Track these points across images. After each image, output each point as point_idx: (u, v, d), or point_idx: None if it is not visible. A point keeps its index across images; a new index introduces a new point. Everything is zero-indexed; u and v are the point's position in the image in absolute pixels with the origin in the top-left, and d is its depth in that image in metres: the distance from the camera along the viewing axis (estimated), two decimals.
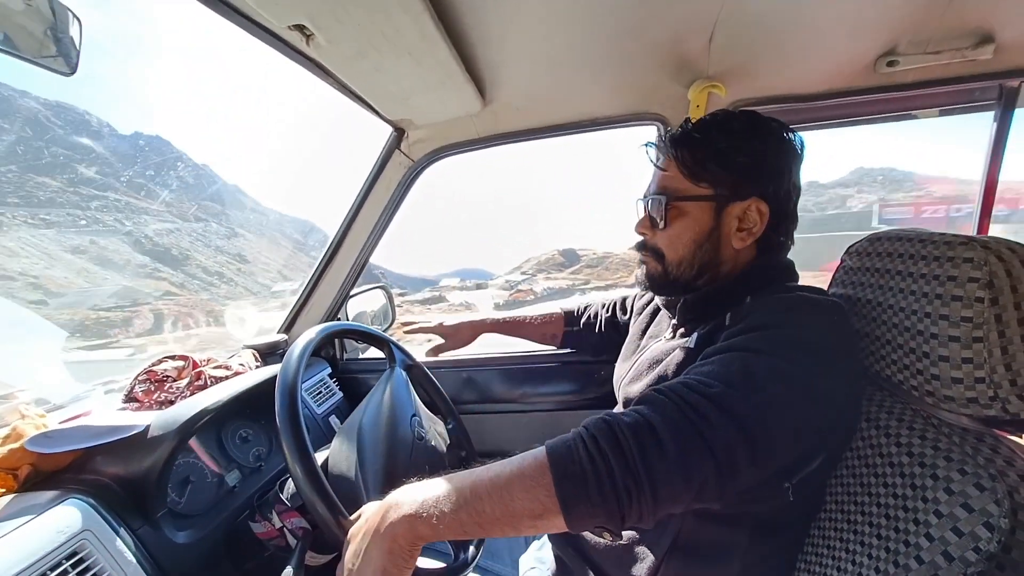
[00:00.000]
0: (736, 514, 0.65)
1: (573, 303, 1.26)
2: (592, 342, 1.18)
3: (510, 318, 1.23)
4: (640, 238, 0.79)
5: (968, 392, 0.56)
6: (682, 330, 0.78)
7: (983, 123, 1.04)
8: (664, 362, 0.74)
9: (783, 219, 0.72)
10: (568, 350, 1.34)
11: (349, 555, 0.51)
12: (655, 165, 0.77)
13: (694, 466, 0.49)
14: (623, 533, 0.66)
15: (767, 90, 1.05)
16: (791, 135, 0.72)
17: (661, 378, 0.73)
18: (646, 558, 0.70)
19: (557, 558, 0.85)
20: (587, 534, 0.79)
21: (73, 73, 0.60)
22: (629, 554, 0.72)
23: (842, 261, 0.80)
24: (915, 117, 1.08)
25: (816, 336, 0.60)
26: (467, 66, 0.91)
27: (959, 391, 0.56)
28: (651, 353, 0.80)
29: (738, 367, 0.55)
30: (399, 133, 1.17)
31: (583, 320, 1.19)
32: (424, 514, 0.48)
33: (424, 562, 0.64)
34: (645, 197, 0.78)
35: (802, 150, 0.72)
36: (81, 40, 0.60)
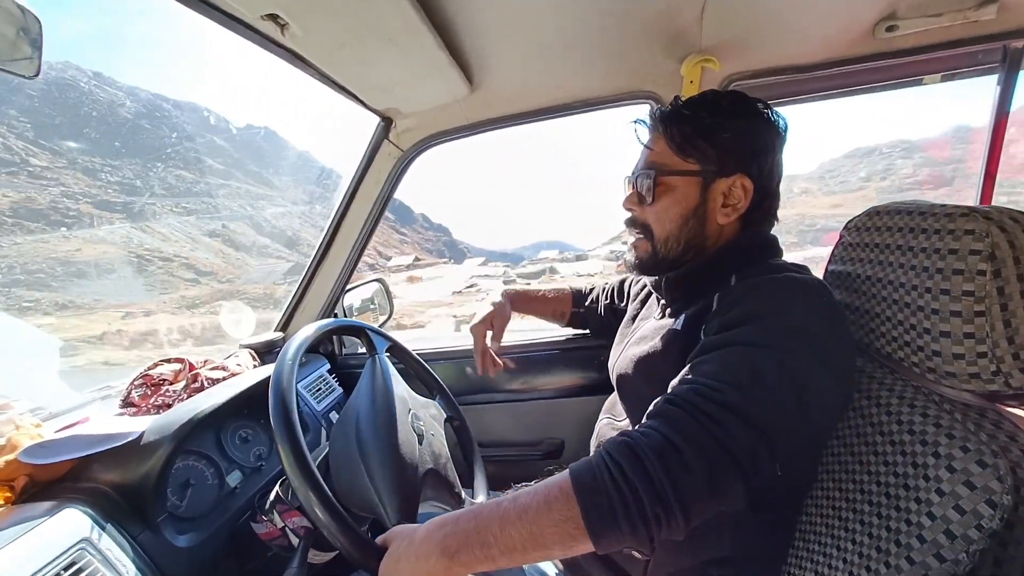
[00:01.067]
0: None
1: (582, 283, 1.26)
2: (594, 324, 1.19)
3: (525, 292, 1.21)
4: (628, 215, 0.80)
5: (970, 367, 0.55)
6: (670, 310, 0.79)
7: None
8: (652, 341, 0.75)
9: (766, 196, 0.73)
10: (566, 336, 1.33)
11: None
12: (643, 144, 0.77)
13: (722, 480, 0.50)
14: None
15: (763, 62, 1.02)
16: (776, 115, 0.73)
17: (649, 355, 0.74)
18: None
19: None
20: None
21: (37, 75, 0.58)
22: None
23: (841, 237, 0.78)
24: (918, 83, 1.05)
25: (812, 322, 0.60)
26: (452, 51, 0.88)
27: (961, 367, 0.55)
28: (640, 332, 0.82)
29: (745, 366, 0.55)
30: (387, 123, 1.14)
31: (587, 302, 1.20)
32: (458, 554, 0.50)
33: None
34: (634, 174, 0.78)
35: (786, 131, 0.74)
36: (43, 42, 0.58)
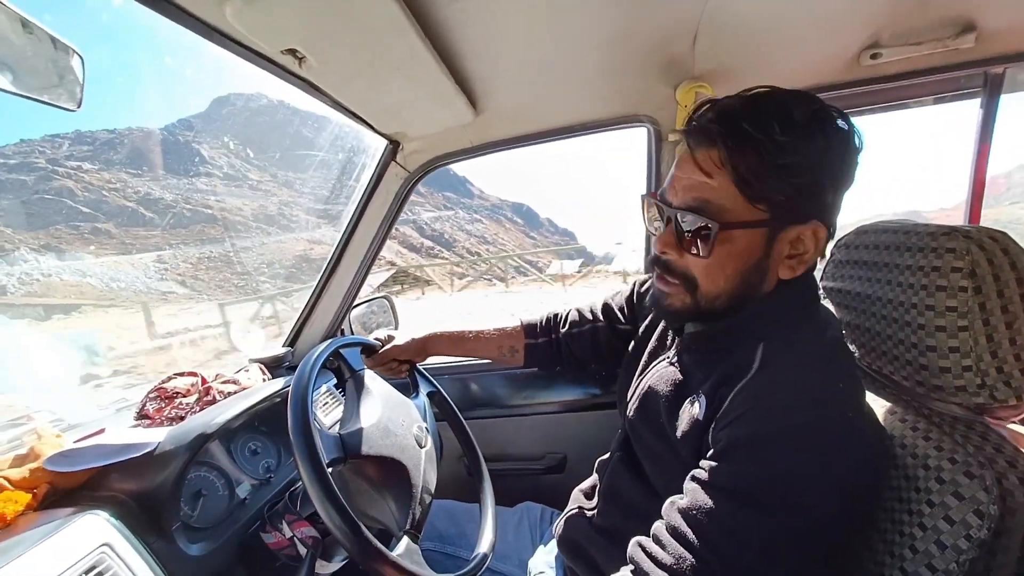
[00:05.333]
0: None
1: (532, 316, 1.09)
2: (577, 353, 1.03)
3: (458, 332, 1.07)
4: (659, 256, 0.64)
5: (956, 381, 0.57)
6: (687, 357, 0.71)
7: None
8: (666, 400, 0.69)
9: (831, 238, 0.61)
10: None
11: None
12: (699, 165, 0.58)
13: None
14: (625, 540, 0.66)
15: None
16: (852, 128, 0.57)
17: (663, 424, 0.68)
18: None
19: (567, 568, 0.86)
20: (594, 547, 0.79)
21: (79, 108, 0.62)
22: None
23: (832, 254, 0.80)
24: (905, 107, 1.08)
25: (825, 447, 0.52)
26: (457, 78, 0.93)
27: (948, 380, 0.57)
28: (654, 378, 0.74)
29: (756, 538, 0.51)
30: (394, 146, 1.19)
31: (557, 332, 1.04)
32: None
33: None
34: (670, 206, 0.61)
35: (861, 146, 0.58)
36: (85, 75, 0.62)
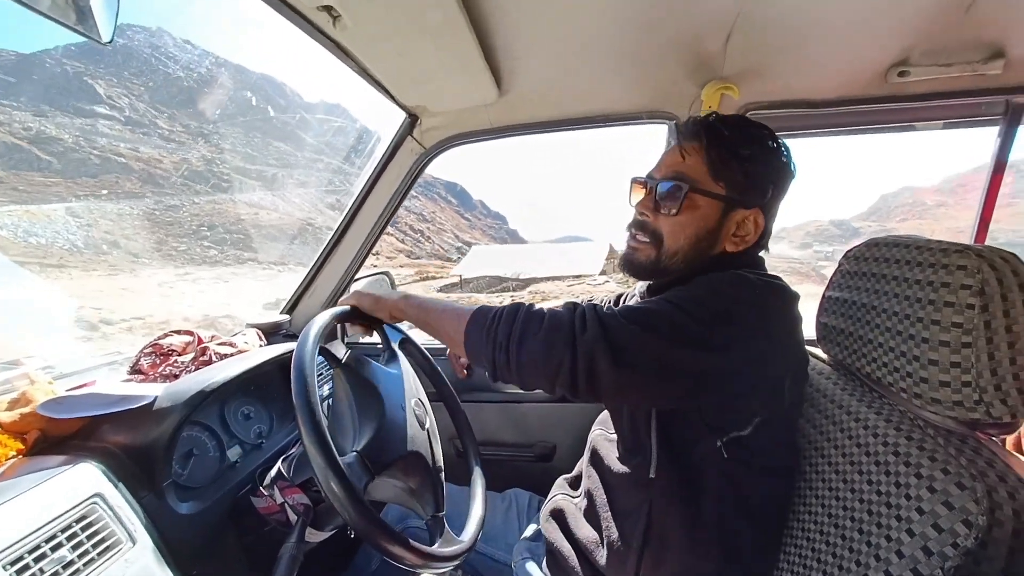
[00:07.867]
0: (696, 494, 0.69)
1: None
2: None
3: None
4: (637, 217, 0.79)
5: (955, 395, 0.58)
6: None
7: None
8: None
9: (766, 234, 0.77)
10: None
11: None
12: (682, 151, 0.75)
13: (554, 355, 0.60)
14: (601, 525, 0.77)
15: (779, 94, 1.06)
16: (789, 158, 0.76)
17: None
18: (628, 549, 0.72)
19: (548, 549, 0.88)
20: (579, 533, 0.82)
21: (110, 42, 0.59)
22: (612, 547, 0.74)
23: (840, 265, 0.82)
24: (918, 128, 1.10)
25: (727, 304, 0.64)
26: (486, 54, 0.91)
27: (946, 394, 0.59)
28: None
29: (638, 305, 0.65)
30: (412, 119, 1.17)
31: None
32: (407, 308, 0.78)
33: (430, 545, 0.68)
34: (654, 179, 0.77)
35: (795, 174, 0.77)
36: (119, 8, 0.59)
